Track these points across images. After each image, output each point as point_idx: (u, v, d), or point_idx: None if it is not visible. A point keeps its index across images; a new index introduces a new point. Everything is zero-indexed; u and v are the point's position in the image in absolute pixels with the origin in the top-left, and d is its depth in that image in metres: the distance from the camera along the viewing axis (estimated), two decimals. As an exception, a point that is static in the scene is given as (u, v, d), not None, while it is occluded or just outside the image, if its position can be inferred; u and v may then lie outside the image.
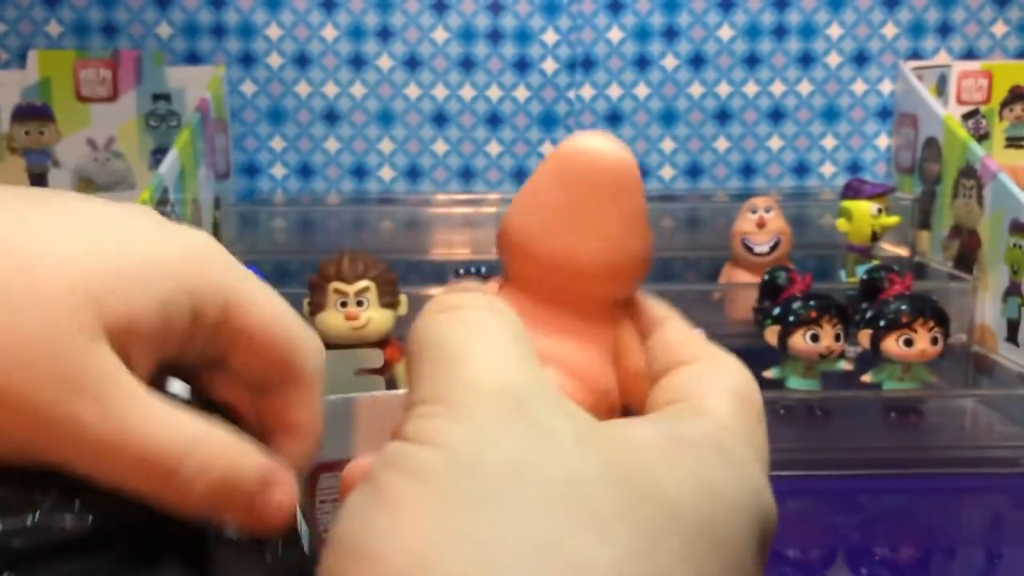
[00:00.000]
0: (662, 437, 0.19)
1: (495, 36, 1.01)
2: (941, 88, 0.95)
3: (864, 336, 0.68)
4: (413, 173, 1.03)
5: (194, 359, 0.25)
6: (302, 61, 1.01)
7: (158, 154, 0.95)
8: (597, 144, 0.23)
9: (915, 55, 1.02)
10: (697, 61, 1.02)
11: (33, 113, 0.95)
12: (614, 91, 1.02)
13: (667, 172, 1.04)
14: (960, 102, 0.94)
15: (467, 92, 1.02)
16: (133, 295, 0.22)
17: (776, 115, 1.03)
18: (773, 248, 0.82)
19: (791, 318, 0.67)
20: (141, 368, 0.23)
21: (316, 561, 0.18)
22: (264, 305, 0.25)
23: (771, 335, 0.68)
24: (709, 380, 0.22)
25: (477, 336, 0.20)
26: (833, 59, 1.02)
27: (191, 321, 0.24)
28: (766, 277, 0.74)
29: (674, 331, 0.24)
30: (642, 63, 1.02)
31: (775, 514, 0.20)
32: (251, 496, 0.23)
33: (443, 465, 0.18)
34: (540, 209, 0.23)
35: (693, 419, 0.20)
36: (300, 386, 0.27)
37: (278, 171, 1.03)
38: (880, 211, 0.83)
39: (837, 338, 0.67)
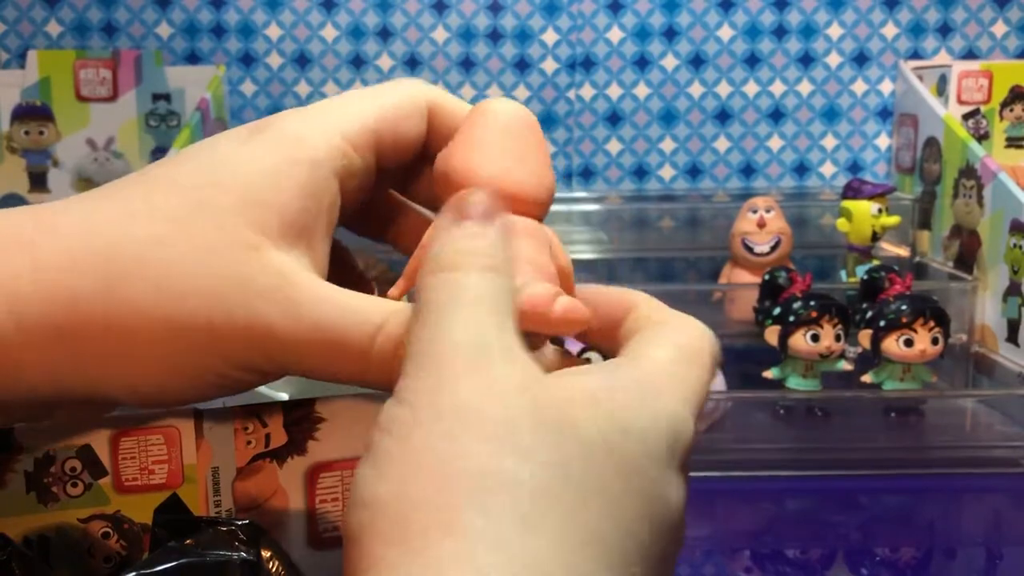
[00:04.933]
0: (589, 385, 0.23)
1: (495, 36, 1.01)
2: (941, 88, 0.95)
3: (864, 336, 0.68)
4: (413, 173, 1.03)
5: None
6: (302, 61, 1.01)
7: (158, 154, 0.95)
8: (513, 103, 0.29)
9: (915, 55, 1.02)
10: (697, 61, 1.02)
11: (33, 113, 0.95)
12: (614, 91, 1.02)
13: (667, 172, 1.04)
14: (960, 102, 0.93)
15: (467, 92, 1.02)
16: (275, 200, 0.26)
17: (776, 115, 1.03)
18: (773, 248, 0.82)
19: (791, 318, 0.67)
20: (325, 242, 0.28)
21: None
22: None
23: (771, 335, 0.68)
24: (661, 336, 0.26)
25: (460, 296, 0.23)
26: (833, 59, 1.02)
27: (353, 179, 0.28)
28: (766, 277, 0.74)
29: (647, 307, 0.28)
30: (642, 63, 1.02)
31: (690, 435, 0.24)
32: None
33: (412, 419, 0.22)
34: (489, 154, 0.28)
35: (625, 367, 0.25)
36: None
37: (278, 171, 1.03)
38: (880, 211, 0.82)
39: (837, 338, 0.67)
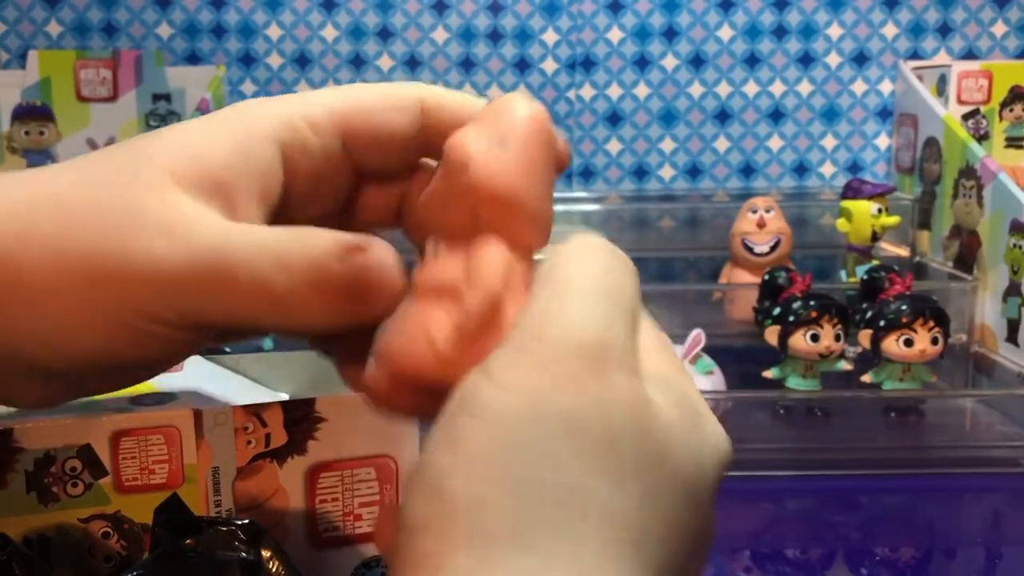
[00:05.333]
0: (675, 411, 0.22)
1: (495, 36, 1.01)
2: (941, 88, 0.95)
3: (864, 336, 0.68)
4: (413, 173, 1.03)
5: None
6: (302, 61, 1.01)
7: (158, 154, 0.95)
8: (538, 107, 0.27)
9: (915, 55, 1.02)
10: (697, 61, 1.02)
11: (33, 113, 0.95)
12: (614, 91, 1.02)
13: (667, 172, 1.04)
14: (960, 102, 0.93)
15: (467, 92, 1.01)
16: (198, 153, 0.25)
17: (776, 115, 1.03)
18: (773, 248, 0.82)
19: (791, 318, 0.67)
20: (253, 207, 0.25)
21: None
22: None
23: (771, 335, 0.68)
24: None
25: (597, 283, 0.22)
26: (833, 59, 1.02)
27: (296, 155, 0.27)
28: (766, 277, 0.74)
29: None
30: (642, 63, 1.02)
31: (728, 448, 0.23)
32: (344, 271, 0.24)
33: (507, 409, 0.20)
34: (531, 175, 0.26)
35: (674, 386, 0.23)
36: None
37: (278, 171, 1.03)
38: (880, 211, 0.83)
39: (837, 338, 0.67)
